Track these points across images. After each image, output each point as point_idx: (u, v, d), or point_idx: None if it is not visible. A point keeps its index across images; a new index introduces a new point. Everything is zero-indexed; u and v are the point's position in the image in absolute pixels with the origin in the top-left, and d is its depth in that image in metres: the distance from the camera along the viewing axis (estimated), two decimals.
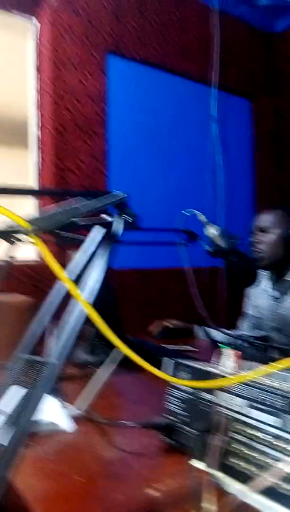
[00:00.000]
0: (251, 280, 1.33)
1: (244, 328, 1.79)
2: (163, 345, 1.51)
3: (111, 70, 2.40)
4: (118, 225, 0.62)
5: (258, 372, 0.60)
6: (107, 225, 0.62)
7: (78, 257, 0.58)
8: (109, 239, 0.64)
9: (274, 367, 0.58)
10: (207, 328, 1.38)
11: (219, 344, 1.31)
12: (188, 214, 1.28)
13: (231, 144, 2.83)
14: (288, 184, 2.92)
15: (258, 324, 1.73)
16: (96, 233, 0.60)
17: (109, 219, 0.66)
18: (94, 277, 0.60)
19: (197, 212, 1.30)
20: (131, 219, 0.66)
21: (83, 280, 0.58)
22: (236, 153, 2.86)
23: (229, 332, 1.56)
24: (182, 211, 1.32)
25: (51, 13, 2.24)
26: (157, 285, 2.36)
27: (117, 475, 0.64)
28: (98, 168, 2.30)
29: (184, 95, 2.65)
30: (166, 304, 2.37)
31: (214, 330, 1.47)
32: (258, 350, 1.41)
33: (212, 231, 1.27)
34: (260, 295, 1.69)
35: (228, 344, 1.24)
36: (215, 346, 1.21)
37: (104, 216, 0.66)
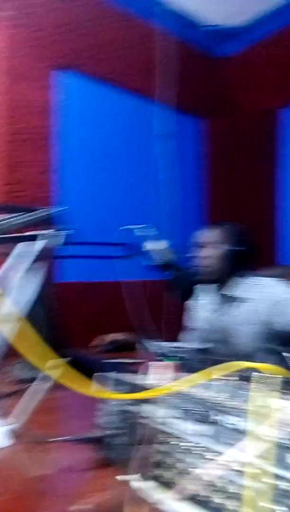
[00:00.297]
0: (191, 293, 1.37)
1: (187, 341, 1.83)
2: (106, 359, 1.51)
3: (61, 85, 2.41)
4: (52, 240, 0.63)
5: (180, 383, 0.62)
6: (35, 239, 0.62)
7: (2, 273, 0.58)
8: (42, 254, 0.64)
9: (194, 378, 0.60)
10: (150, 341, 1.40)
11: (162, 357, 1.33)
12: (132, 228, 1.31)
13: (182, 161, 2.92)
14: (234, 200, 3.04)
15: (200, 336, 1.78)
16: (23, 249, 0.60)
17: (44, 232, 0.66)
18: (27, 292, 0.61)
19: (139, 226, 1.34)
20: (65, 234, 0.67)
21: (13, 295, 0.58)
22: (187, 170, 2.95)
23: (170, 344, 1.59)
24: (125, 226, 1.35)
25: (3, 26, 2.23)
26: (103, 299, 2.36)
27: (44, 491, 0.64)
28: (47, 181, 2.29)
29: (135, 112, 2.71)
30: (113, 318, 2.37)
31: (157, 343, 1.49)
32: (199, 362, 1.45)
33: (156, 245, 1.31)
34: (201, 308, 1.74)
35: (170, 357, 1.26)
36: (157, 359, 1.23)
37: (42, 231, 0.66)
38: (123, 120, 2.64)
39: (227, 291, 1.60)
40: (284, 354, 0.59)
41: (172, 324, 2.62)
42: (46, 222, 0.68)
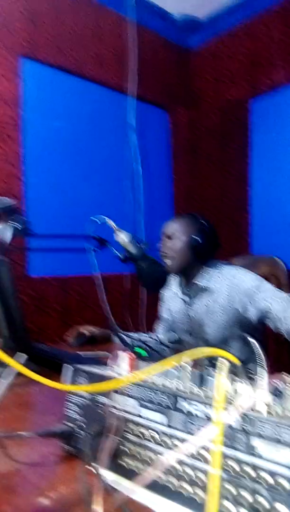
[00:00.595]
0: (161, 284, 1.37)
1: (159, 331, 1.84)
2: (78, 353, 1.51)
3: (26, 75, 2.35)
4: (3, 233, 0.61)
5: (143, 372, 0.62)
6: None
7: None
8: None
9: (158, 367, 0.61)
10: (121, 333, 1.40)
11: (135, 348, 1.34)
12: (98, 220, 1.30)
13: (149, 152, 2.92)
14: (203, 191, 3.07)
15: (171, 327, 1.79)
16: None
17: None
18: None
19: (107, 218, 1.32)
20: (21, 226, 0.65)
21: None
22: (154, 162, 2.95)
23: (142, 335, 1.60)
24: (92, 218, 1.34)
25: None
26: (76, 292, 2.34)
27: (8, 486, 0.63)
28: (13, 173, 2.24)
29: (102, 103, 2.68)
30: (86, 311, 2.36)
31: (129, 334, 1.50)
32: (168, 353, 1.46)
33: (121, 237, 1.30)
34: (172, 299, 1.76)
35: (140, 347, 1.27)
36: (126, 350, 1.23)
37: None
38: (90, 111, 2.60)
39: (196, 281, 1.62)
40: (252, 340, 0.60)
41: (144, 316, 2.63)
42: (6, 214, 0.66)
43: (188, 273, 1.65)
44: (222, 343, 1.61)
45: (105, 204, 2.52)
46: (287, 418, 0.52)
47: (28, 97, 2.34)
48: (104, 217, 1.32)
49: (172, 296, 1.77)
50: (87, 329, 1.77)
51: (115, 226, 1.31)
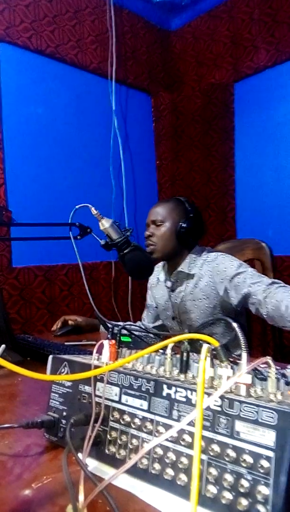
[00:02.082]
0: (146, 271, 1.36)
1: (146, 319, 1.85)
2: (64, 342, 1.50)
3: (2, 59, 2.28)
4: None
5: (124, 360, 0.62)
6: None
7: None
8: None
9: (139, 353, 0.60)
10: (106, 322, 1.39)
11: (117, 336, 1.33)
12: (80, 207, 1.28)
13: (133, 137, 2.88)
14: (187, 176, 3.05)
15: (157, 314, 1.80)
16: None
17: None
18: None
19: (90, 205, 1.30)
20: None
21: None
22: (137, 146, 2.92)
23: (127, 324, 1.59)
24: (76, 206, 1.31)
25: None
26: (61, 282, 2.32)
27: None
28: None
29: (82, 88, 2.62)
30: (72, 301, 2.35)
31: (115, 323, 1.49)
32: (153, 340, 1.46)
33: (104, 223, 1.28)
34: (157, 286, 1.76)
35: (125, 335, 1.26)
36: (110, 338, 1.23)
37: None
38: (70, 96, 2.54)
39: (180, 267, 1.61)
40: (234, 324, 0.59)
41: (131, 304, 2.64)
42: None
43: (172, 260, 1.64)
44: (206, 328, 1.61)
45: (87, 191, 2.49)
46: (265, 399, 0.52)
47: (5, 82, 2.27)
48: (87, 204, 1.30)
49: (156, 283, 1.76)
50: (72, 319, 1.76)
51: (98, 212, 1.29)
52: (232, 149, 2.98)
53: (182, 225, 1.56)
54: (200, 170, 3.03)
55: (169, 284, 1.67)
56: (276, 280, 1.41)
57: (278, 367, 0.80)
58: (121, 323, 1.60)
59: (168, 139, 3.08)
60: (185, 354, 0.65)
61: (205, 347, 0.57)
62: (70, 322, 1.72)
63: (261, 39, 2.71)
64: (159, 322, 1.81)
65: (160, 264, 1.83)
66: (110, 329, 0.77)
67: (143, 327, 1.73)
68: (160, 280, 1.74)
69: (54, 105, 2.45)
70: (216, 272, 1.53)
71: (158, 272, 1.78)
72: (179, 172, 3.09)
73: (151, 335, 1.58)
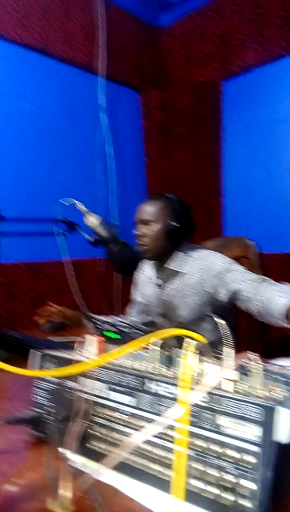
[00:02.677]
0: (133, 267, 1.36)
1: (132, 314, 1.84)
2: (50, 338, 1.49)
3: None
4: None
5: (109, 355, 0.61)
6: None
7: None
8: None
9: (125, 349, 0.60)
10: (92, 317, 1.38)
11: (104, 332, 1.32)
12: (66, 203, 1.27)
13: (121, 134, 2.86)
14: (176, 174, 3.05)
15: (144, 310, 1.79)
16: None
17: None
18: None
19: (76, 201, 1.29)
20: None
21: None
22: (126, 144, 2.91)
23: (113, 319, 1.58)
24: (61, 201, 1.30)
25: None
26: (49, 278, 2.30)
27: None
28: None
29: (71, 83, 2.60)
30: (60, 297, 2.32)
31: (100, 318, 1.49)
32: (139, 336, 1.45)
33: (91, 220, 1.27)
34: (146, 283, 1.75)
35: (110, 331, 1.26)
36: (95, 333, 1.22)
37: None
38: (59, 91, 2.52)
39: (169, 265, 1.61)
40: (219, 321, 0.59)
41: (119, 300, 2.63)
42: None
43: (162, 258, 1.63)
44: (194, 325, 1.62)
45: (76, 187, 2.46)
46: (251, 395, 0.52)
47: None
48: (73, 200, 1.29)
49: (145, 281, 1.76)
50: (57, 311, 1.74)
51: (85, 208, 1.28)
52: (221, 148, 2.99)
53: (173, 224, 1.55)
54: (189, 168, 3.03)
55: (158, 281, 1.67)
56: (265, 278, 1.41)
57: (266, 364, 0.80)
58: (107, 318, 1.60)
59: (157, 137, 3.07)
60: (172, 350, 0.65)
61: (191, 343, 0.57)
62: (54, 317, 1.68)
63: (250, 38, 2.71)
64: (144, 317, 1.81)
65: (148, 261, 1.83)
66: (95, 325, 0.76)
67: (128, 322, 1.72)
68: (149, 277, 1.73)
69: (41, 100, 2.43)
70: (205, 269, 1.53)
71: (147, 269, 1.77)
72: (168, 170, 3.09)
73: (141, 332, 1.58)
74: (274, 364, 0.99)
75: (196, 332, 0.59)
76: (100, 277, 2.53)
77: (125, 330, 1.22)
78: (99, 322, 1.27)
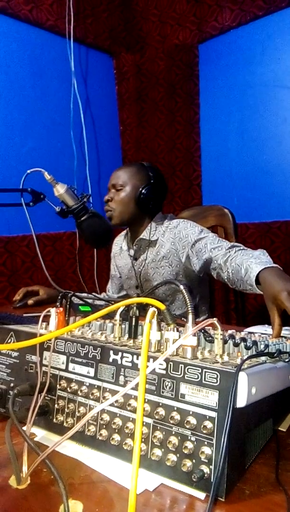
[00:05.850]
0: (105, 239, 1.32)
1: (110, 290, 1.82)
2: (24, 314, 1.46)
3: None
4: None
5: (69, 327, 0.59)
6: None
7: None
8: None
9: (84, 320, 0.58)
10: (65, 292, 1.35)
11: (80, 307, 1.30)
12: (30, 172, 1.21)
13: (94, 101, 2.75)
14: (152, 142, 2.97)
15: (121, 284, 1.77)
16: None
17: None
18: None
19: (43, 170, 1.24)
20: None
21: None
22: (99, 111, 2.80)
23: (89, 295, 1.56)
24: (31, 170, 1.24)
25: None
26: (22, 253, 2.25)
27: None
28: None
29: (39, 47, 2.46)
30: (35, 272, 2.29)
31: (76, 294, 1.46)
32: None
33: (57, 189, 1.23)
34: (120, 255, 1.72)
35: (84, 305, 1.24)
36: (76, 310, 1.20)
37: None
38: (26, 55, 2.38)
39: (142, 236, 1.58)
40: (180, 286, 0.57)
41: (96, 275, 2.60)
42: None
43: (134, 228, 1.60)
44: (169, 297, 1.61)
45: (46, 157, 2.37)
46: (212, 361, 0.51)
47: None
48: (40, 169, 1.23)
49: (119, 252, 1.73)
50: (35, 289, 1.71)
51: (51, 177, 1.23)
52: (197, 114, 2.91)
53: (142, 191, 1.51)
54: (165, 136, 2.96)
55: (131, 252, 1.64)
56: (236, 244, 1.39)
57: (233, 331, 0.79)
58: (83, 294, 1.58)
59: (132, 103, 2.96)
60: (133, 319, 0.63)
61: (152, 312, 0.55)
62: (29, 302, 1.65)
63: None
64: (123, 292, 1.79)
65: (123, 233, 1.79)
66: (59, 297, 0.74)
67: (102, 296, 1.71)
68: (123, 249, 1.70)
69: (7, 65, 2.29)
70: (178, 239, 1.51)
71: (121, 241, 1.74)
72: (143, 139, 3.00)
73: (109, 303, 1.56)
74: (248, 332, 0.98)
75: (160, 301, 0.57)
76: (77, 251, 2.49)
77: (99, 304, 1.20)
78: (61, 294, 1.24)
